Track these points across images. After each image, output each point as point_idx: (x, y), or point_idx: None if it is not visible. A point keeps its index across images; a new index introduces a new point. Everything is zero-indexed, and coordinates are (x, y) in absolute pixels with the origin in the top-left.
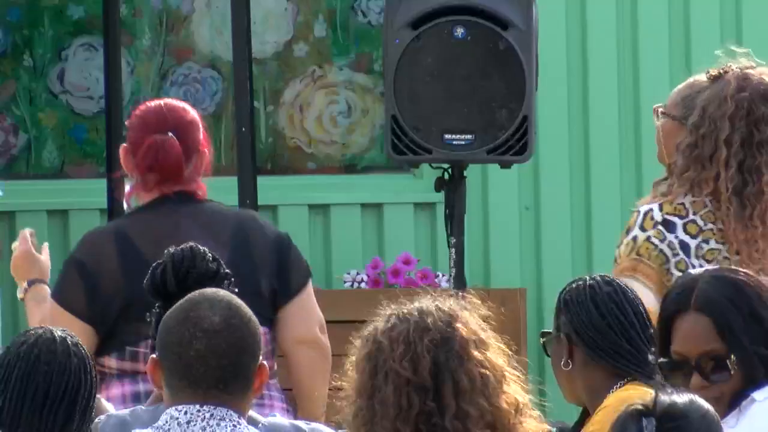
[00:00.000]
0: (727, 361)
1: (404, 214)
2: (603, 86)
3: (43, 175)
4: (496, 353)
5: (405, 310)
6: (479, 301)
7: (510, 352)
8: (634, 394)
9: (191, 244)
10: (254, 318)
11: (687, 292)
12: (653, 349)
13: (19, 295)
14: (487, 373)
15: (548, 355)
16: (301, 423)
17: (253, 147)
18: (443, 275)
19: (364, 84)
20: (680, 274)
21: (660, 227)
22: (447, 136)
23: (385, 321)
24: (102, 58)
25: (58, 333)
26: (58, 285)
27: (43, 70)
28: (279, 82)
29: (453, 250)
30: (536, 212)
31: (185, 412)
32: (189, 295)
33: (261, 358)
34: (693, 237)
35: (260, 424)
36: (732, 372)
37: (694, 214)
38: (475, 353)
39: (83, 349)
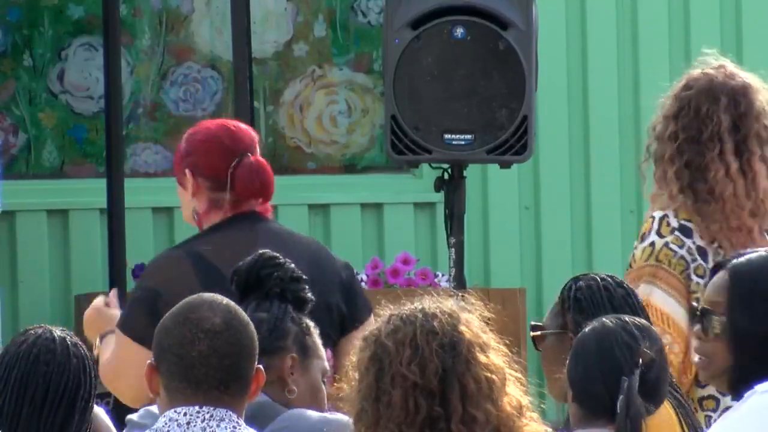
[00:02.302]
0: (716, 318)
1: (404, 214)
2: (603, 86)
3: (43, 175)
4: (496, 354)
5: (407, 312)
6: (479, 302)
7: (510, 353)
8: None
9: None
10: (251, 322)
11: (736, 256)
12: None
13: (95, 351)
14: (493, 376)
15: (538, 350)
16: (325, 413)
17: None
18: (443, 275)
19: (364, 84)
20: (699, 279)
21: (678, 233)
22: (447, 136)
23: (386, 322)
24: (102, 58)
25: (57, 333)
26: (129, 316)
27: (43, 70)
28: (279, 82)
29: (453, 249)
30: (536, 212)
31: (184, 414)
32: (186, 299)
33: (257, 363)
34: (710, 242)
35: (283, 413)
36: (714, 330)
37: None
38: (481, 357)
39: (83, 348)
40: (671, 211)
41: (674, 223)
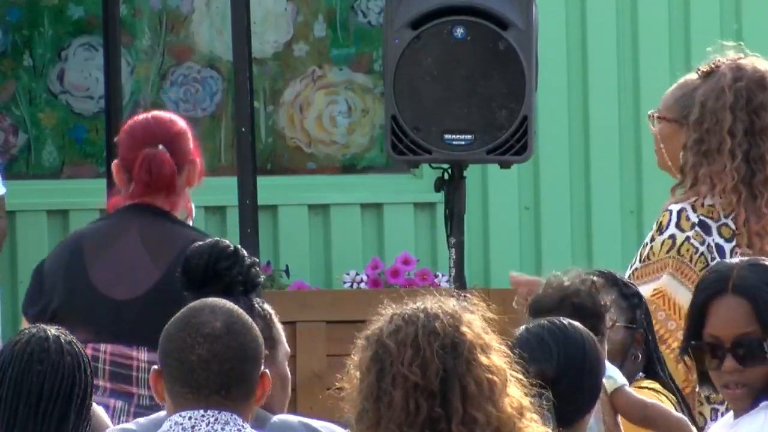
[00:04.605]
0: (764, 344)
1: (404, 214)
2: (603, 86)
3: (43, 175)
4: (498, 355)
5: (409, 312)
6: (481, 302)
7: (511, 354)
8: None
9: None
10: (255, 326)
11: (724, 277)
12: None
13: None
14: (494, 377)
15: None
16: (312, 421)
17: (253, 147)
18: (443, 275)
19: (364, 84)
20: None
21: (698, 229)
22: (447, 136)
23: (388, 322)
24: (102, 58)
25: (51, 332)
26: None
27: (43, 70)
28: (279, 82)
29: (453, 250)
30: (536, 212)
31: (189, 417)
32: (190, 304)
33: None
34: (727, 240)
35: (271, 420)
36: (767, 357)
37: (726, 217)
38: (482, 358)
39: (77, 347)
40: (689, 206)
41: (693, 218)
